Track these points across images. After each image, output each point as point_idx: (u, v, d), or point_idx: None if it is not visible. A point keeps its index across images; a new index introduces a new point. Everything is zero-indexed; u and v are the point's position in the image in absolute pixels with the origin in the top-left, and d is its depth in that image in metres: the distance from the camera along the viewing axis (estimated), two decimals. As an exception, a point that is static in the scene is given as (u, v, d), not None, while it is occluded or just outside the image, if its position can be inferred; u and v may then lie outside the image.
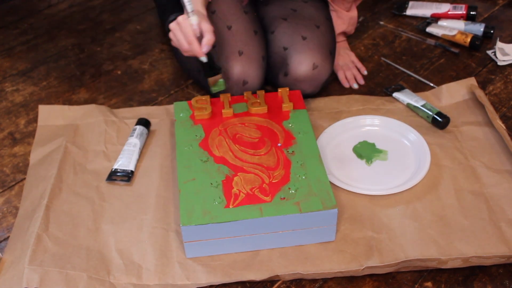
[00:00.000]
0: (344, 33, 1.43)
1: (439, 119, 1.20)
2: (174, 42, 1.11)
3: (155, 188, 1.10)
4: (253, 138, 1.10)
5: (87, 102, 1.35)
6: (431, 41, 1.50)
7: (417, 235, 0.99)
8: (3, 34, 1.61)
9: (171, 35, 1.11)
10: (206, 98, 1.17)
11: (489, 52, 1.45)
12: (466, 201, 1.05)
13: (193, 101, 1.17)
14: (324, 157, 1.12)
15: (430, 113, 1.21)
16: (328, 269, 0.95)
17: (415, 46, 1.50)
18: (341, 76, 1.38)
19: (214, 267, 0.96)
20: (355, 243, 0.99)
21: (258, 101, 1.16)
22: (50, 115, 1.27)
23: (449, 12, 1.57)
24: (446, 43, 1.49)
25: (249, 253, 0.98)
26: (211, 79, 1.12)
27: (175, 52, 1.38)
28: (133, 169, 1.13)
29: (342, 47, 1.43)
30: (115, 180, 1.12)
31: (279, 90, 1.19)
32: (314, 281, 0.96)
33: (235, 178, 1.01)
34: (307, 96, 1.28)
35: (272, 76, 1.29)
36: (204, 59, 1.09)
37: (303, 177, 1.00)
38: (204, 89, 1.33)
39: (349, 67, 1.39)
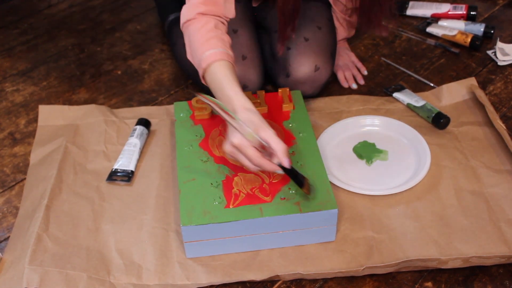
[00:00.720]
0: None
1: (439, 119, 1.20)
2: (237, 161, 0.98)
3: (155, 188, 1.10)
4: (253, 138, 1.10)
5: (87, 102, 1.35)
6: (431, 41, 1.50)
7: (417, 235, 0.99)
8: (3, 34, 1.61)
9: (229, 157, 0.99)
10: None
11: (489, 52, 1.45)
12: (466, 201, 1.05)
13: (193, 101, 1.17)
14: (324, 157, 1.12)
15: (430, 113, 1.21)
16: (328, 269, 0.95)
17: (415, 46, 1.50)
18: (340, 76, 1.38)
19: (214, 267, 0.96)
20: (355, 243, 0.99)
21: (258, 101, 1.16)
22: (50, 115, 1.27)
23: (449, 12, 1.57)
24: (446, 43, 1.49)
25: (249, 253, 0.98)
26: (305, 189, 0.95)
27: (174, 52, 1.38)
28: (133, 169, 1.13)
29: (342, 47, 1.43)
30: (115, 180, 1.12)
31: (279, 90, 1.19)
32: (314, 281, 0.96)
33: (235, 178, 1.01)
34: (307, 97, 1.28)
35: (274, 76, 1.29)
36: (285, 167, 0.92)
37: (303, 177, 1.01)
38: (204, 90, 1.33)
39: (349, 67, 1.39)
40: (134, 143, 1.17)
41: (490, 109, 1.20)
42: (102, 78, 1.43)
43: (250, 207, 0.96)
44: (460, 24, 1.53)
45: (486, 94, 1.30)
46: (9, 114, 1.33)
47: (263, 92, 1.19)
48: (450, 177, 1.10)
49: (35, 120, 1.30)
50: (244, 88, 1.21)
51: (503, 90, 1.34)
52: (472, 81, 1.32)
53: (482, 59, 1.44)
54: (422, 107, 1.23)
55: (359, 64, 1.41)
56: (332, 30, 1.30)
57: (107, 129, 1.23)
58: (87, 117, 1.26)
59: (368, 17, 1.24)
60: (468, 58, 1.44)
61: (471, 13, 1.56)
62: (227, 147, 0.92)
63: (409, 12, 1.61)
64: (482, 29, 1.50)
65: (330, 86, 1.36)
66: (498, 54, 1.42)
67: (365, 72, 1.40)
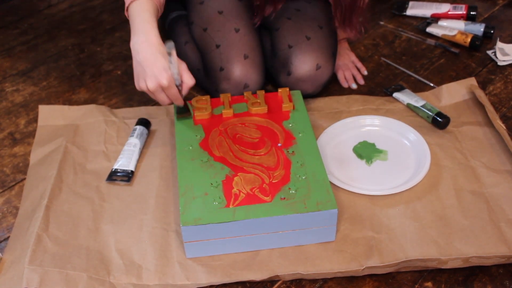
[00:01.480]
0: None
1: (439, 119, 1.20)
2: (152, 97, 1.06)
3: (155, 188, 1.10)
4: (253, 138, 1.10)
5: (87, 102, 1.35)
6: (431, 41, 1.50)
7: (417, 235, 0.99)
8: (3, 34, 1.61)
9: (149, 93, 1.05)
10: (206, 98, 1.17)
11: (489, 52, 1.45)
12: (466, 201, 1.05)
13: (193, 101, 1.17)
14: (324, 157, 1.12)
15: (430, 113, 1.21)
16: (328, 269, 0.95)
17: (415, 46, 1.50)
18: (340, 76, 1.38)
19: (214, 267, 0.96)
20: (355, 243, 0.99)
21: (258, 101, 1.16)
22: (50, 115, 1.27)
23: (449, 12, 1.57)
24: (446, 43, 1.49)
25: (249, 253, 0.98)
26: (180, 116, 1.13)
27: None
28: (133, 169, 1.13)
29: (343, 47, 1.43)
30: (115, 180, 1.12)
31: (279, 90, 1.19)
32: (314, 281, 0.96)
33: (235, 178, 1.01)
34: (308, 96, 1.28)
35: (275, 74, 1.29)
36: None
37: (303, 177, 1.00)
38: (204, 89, 1.33)
39: (349, 67, 1.39)
40: (134, 143, 1.17)
41: (490, 109, 1.20)
42: (102, 78, 1.43)
43: (250, 207, 0.96)
44: (460, 24, 1.53)
45: (486, 94, 1.30)
46: (9, 114, 1.33)
47: (263, 92, 1.19)
48: (450, 177, 1.10)
49: (35, 120, 1.30)
50: (245, 87, 1.22)
51: (503, 90, 1.34)
52: (472, 81, 1.32)
53: (482, 59, 1.44)
54: (422, 107, 1.23)
55: (359, 64, 1.41)
56: (333, 30, 1.30)
57: (107, 129, 1.23)
58: (87, 117, 1.26)
59: (343, 18, 1.27)
60: (468, 58, 1.44)
61: (471, 13, 1.56)
62: (152, 85, 1.01)
63: (409, 12, 1.61)
64: (482, 29, 1.50)
65: (330, 86, 1.36)
66: (498, 54, 1.42)
67: (365, 72, 1.40)
